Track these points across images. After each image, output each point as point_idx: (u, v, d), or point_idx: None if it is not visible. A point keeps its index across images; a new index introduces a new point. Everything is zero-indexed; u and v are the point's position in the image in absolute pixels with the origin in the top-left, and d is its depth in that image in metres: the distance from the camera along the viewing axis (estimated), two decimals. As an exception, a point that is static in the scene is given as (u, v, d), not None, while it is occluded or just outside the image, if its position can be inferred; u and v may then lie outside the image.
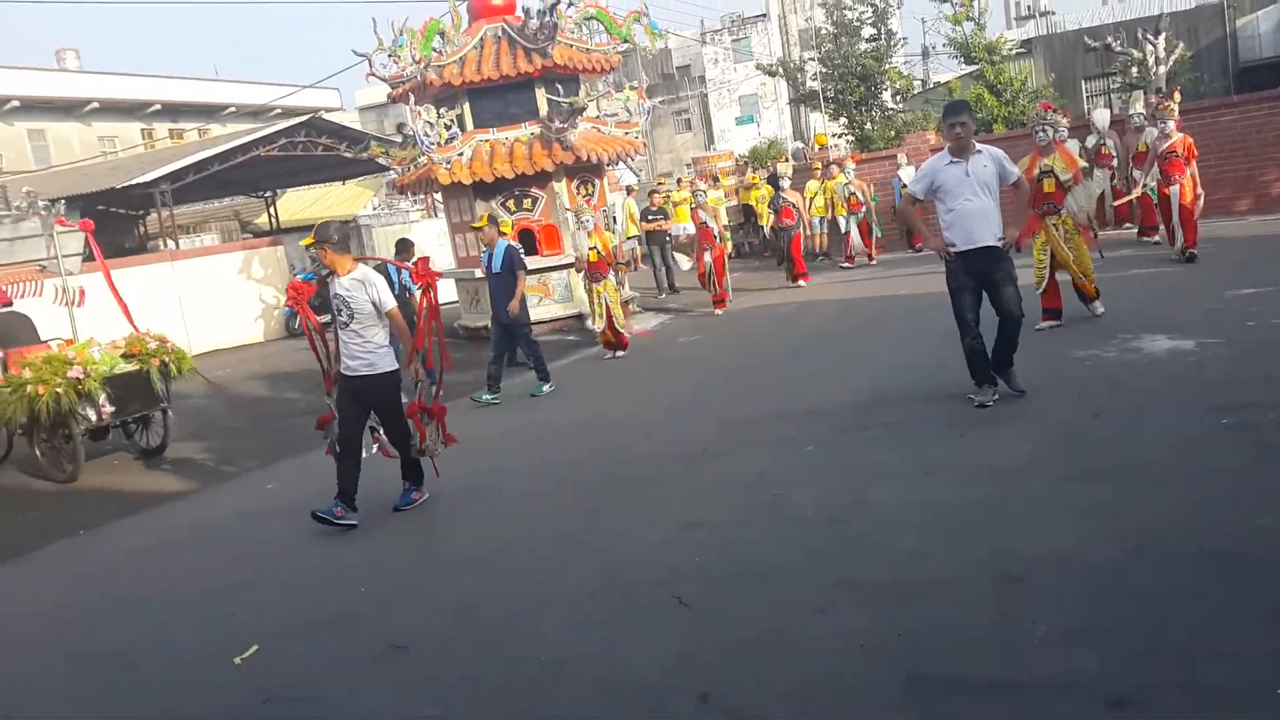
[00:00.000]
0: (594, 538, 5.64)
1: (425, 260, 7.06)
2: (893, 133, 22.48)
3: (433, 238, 22.51)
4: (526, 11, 14.83)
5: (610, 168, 18.50)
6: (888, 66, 23.26)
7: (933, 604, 4.16)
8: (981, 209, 6.66)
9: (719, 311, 14.31)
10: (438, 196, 24.83)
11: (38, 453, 9.51)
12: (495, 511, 6.50)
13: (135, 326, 10.17)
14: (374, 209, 29.67)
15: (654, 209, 18.05)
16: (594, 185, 15.72)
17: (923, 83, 30.23)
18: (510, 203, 15.10)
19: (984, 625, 3.91)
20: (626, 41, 15.42)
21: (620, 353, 11.99)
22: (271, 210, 28.88)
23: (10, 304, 10.67)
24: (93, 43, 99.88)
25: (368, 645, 4.63)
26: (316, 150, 22.86)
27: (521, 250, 11.20)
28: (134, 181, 19.61)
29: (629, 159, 17.00)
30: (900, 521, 5.15)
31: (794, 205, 16.20)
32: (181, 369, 9.96)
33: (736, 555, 5.03)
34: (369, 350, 6.38)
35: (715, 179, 21.64)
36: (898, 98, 23.83)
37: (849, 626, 4.06)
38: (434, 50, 14.28)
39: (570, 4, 15.01)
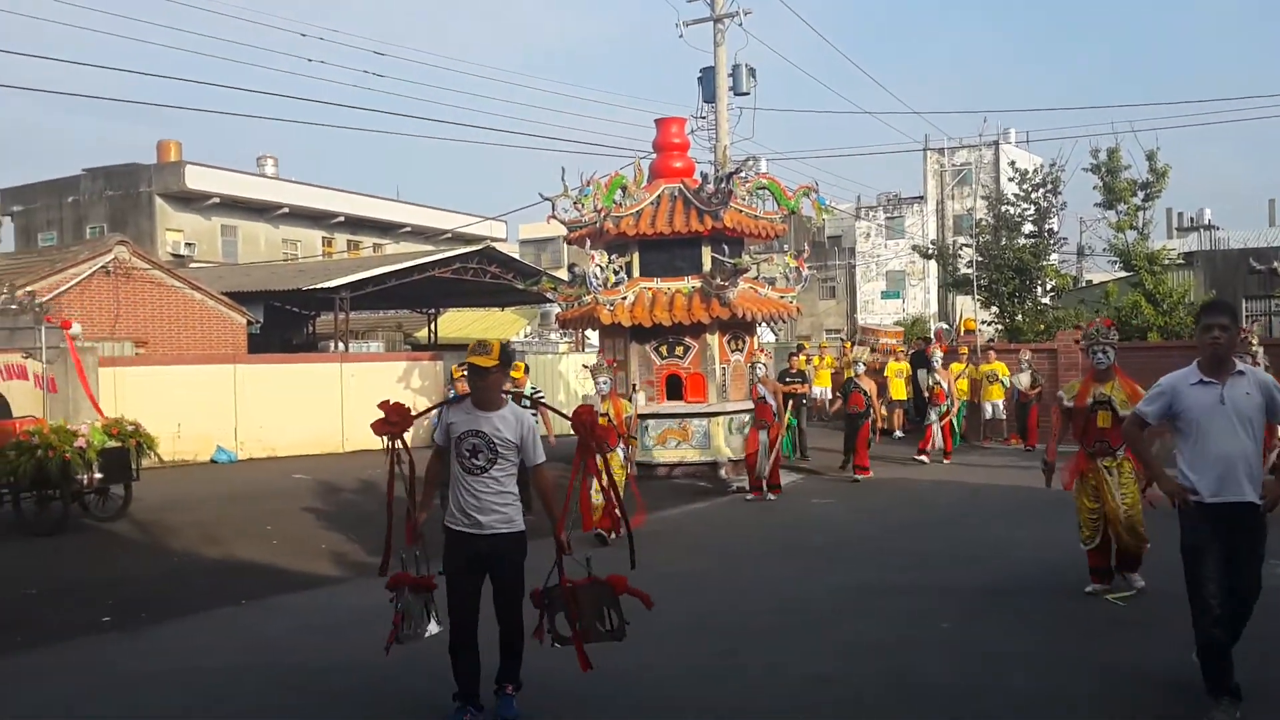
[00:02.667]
0: (729, 679, 5.94)
1: (589, 408, 5.94)
2: (1042, 326, 22.63)
3: (575, 371, 23.45)
4: (704, 177, 15.86)
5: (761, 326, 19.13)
6: (1045, 263, 23.59)
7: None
8: (1240, 451, 5.10)
9: (772, 497, 12.92)
10: (589, 334, 26.07)
11: (22, 510, 11.29)
12: (626, 643, 6.84)
13: (101, 413, 12.27)
14: (525, 336, 31.09)
15: (793, 371, 18.21)
16: (744, 341, 16.36)
17: (1074, 280, 30.34)
18: (663, 348, 15.81)
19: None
20: (793, 213, 16.24)
21: (614, 535, 9.95)
22: (432, 326, 30.60)
23: None
24: (291, 152, 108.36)
25: None
26: (485, 277, 24.33)
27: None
28: (319, 286, 21.26)
29: (780, 321, 17.60)
30: (1038, 707, 5.32)
31: (864, 392, 15.06)
32: (151, 449, 12.14)
33: (869, 716, 5.26)
34: (508, 503, 5.27)
35: (896, 355, 21.66)
36: (1051, 293, 24.06)
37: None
38: (615, 202, 15.35)
39: (744, 175, 15.97)
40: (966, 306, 31.18)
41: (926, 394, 17.16)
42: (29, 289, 14.39)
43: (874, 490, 14.02)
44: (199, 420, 17.46)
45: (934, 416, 16.65)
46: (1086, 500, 7.55)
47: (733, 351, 16.10)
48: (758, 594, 8.12)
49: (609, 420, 10.16)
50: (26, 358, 13.03)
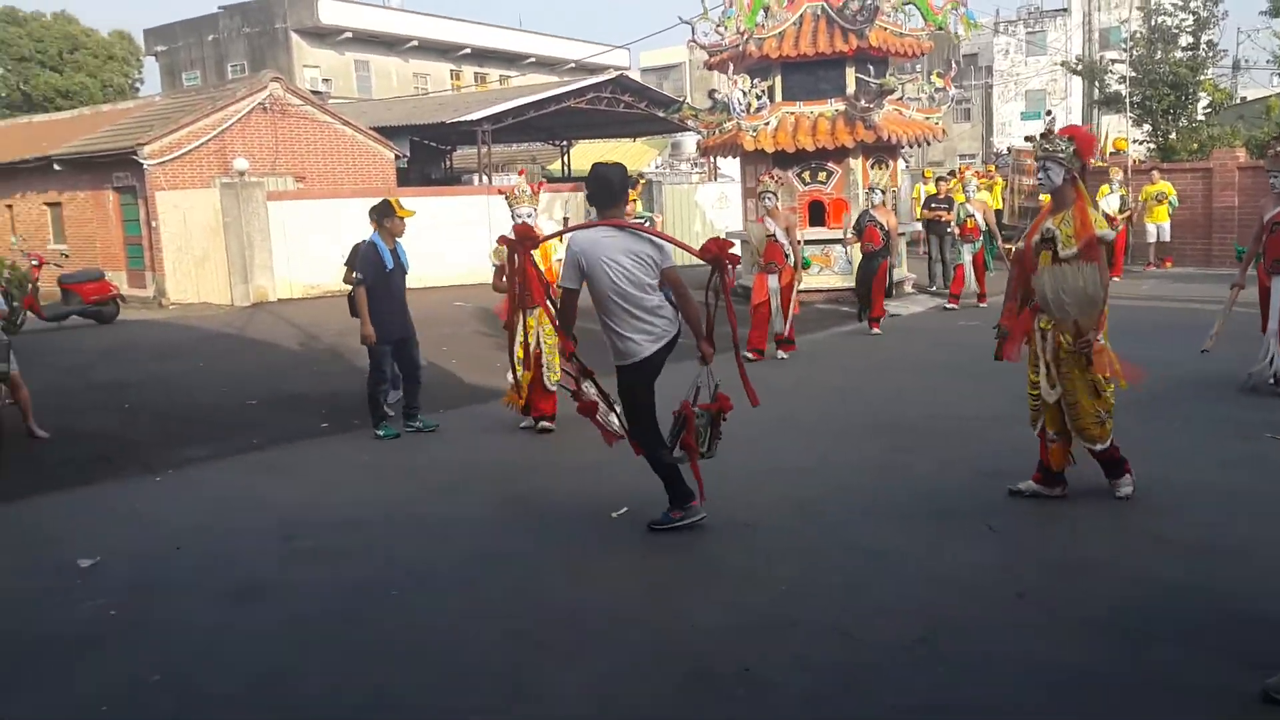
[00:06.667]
0: (904, 472, 6.46)
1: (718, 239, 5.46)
2: (1196, 145, 21.68)
3: (711, 201, 23.65)
4: (849, -7, 15.49)
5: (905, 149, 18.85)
6: (1203, 77, 22.38)
7: (1239, 563, 4.78)
8: None
9: (783, 355, 11.01)
10: (718, 161, 26.05)
11: None
12: (806, 441, 7.41)
13: None
14: (656, 167, 31.22)
15: (940, 197, 17.31)
16: (887, 165, 16.30)
17: (1229, 96, 28.64)
18: (805, 174, 15.90)
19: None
20: (940, 29, 15.83)
21: (546, 423, 7.99)
22: (565, 158, 30.98)
23: None
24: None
25: (717, 521, 5.59)
26: (618, 107, 24.43)
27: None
28: (462, 119, 21.74)
29: (924, 144, 17.37)
30: (1212, 495, 5.73)
31: (881, 225, 12.50)
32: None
33: (1048, 500, 5.71)
34: None
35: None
36: (1208, 110, 22.90)
37: (1147, 568, 4.73)
38: (757, 23, 15.23)
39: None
40: (1113, 126, 29.92)
41: (955, 229, 14.96)
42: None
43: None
44: (360, 251, 18.43)
45: (966, 255, 14.60)
46: (1030, 373, 5.74)
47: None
48: (918, 401, 8.56)
49: (535, 265, 6.95)
50: None
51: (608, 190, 5.39)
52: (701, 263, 5.41)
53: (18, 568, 5.45)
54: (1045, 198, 5.75)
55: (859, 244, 12.70)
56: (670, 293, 5.35)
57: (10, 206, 22.72)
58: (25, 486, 7.00)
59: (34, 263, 15.08)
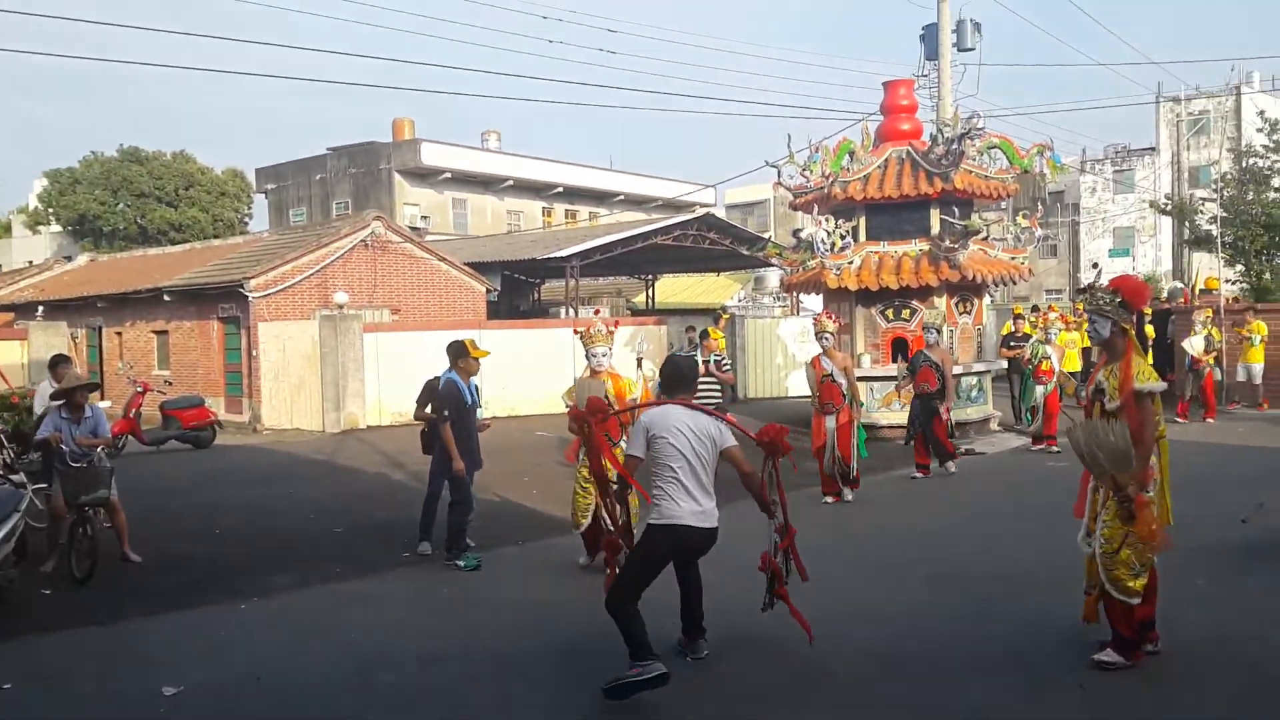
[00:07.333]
0: (991, 624, 6.29)
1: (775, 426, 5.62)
2: (1293, 286, 21.31)
3: (794, 335, 23.74)
4: (933, 138, 15.81)
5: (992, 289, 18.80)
6: (1297, 218, 22.12)
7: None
8: None
9: (848, 495, 10.71)
10: (802, 297, 26.30)
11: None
12: (888, 587, 7.26)
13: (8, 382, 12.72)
14: (739, 301, 31.62)
15: (1018, 335, 17.29)
16: (972, 303, 16.29)
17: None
18: (889, 311, 15.96)
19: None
20: (1026, 171, 15.97)
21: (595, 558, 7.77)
22: (650, 291, 31.60)
23: None
24: (510, 126, 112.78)
25: (799, 670, 5.50)
26: (704, 243, 24.94)
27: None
28: (553, 255, 22.42)
29: (1011, 283, 17.33)
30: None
31: (937, 366, 11.98)
32: None
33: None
34: None
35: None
36: (1305, 250, 22.55)
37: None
38: (842, 166, 15.56)
39: (973, 135, 15.78)
40: (1204, 264, 29.52)
41: (1029, 367, 14.97)
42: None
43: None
44: (448, 381, 18.88)
45: (1039, 396, 14.48)
46: (1090, 524, 5.62)
47: (960, 314, 16.05)
48: (1006, 546, 8.36)
49: (608, 401, 7.23)
50: None
51: (681, 378, 5.87)
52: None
53: (106, 693, 5.57)
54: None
55: (913, 384, 12.19)
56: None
57: (120, 334, 23.87)
58: (116, 610, 7.19)
59: (138, 389, 15.73)
